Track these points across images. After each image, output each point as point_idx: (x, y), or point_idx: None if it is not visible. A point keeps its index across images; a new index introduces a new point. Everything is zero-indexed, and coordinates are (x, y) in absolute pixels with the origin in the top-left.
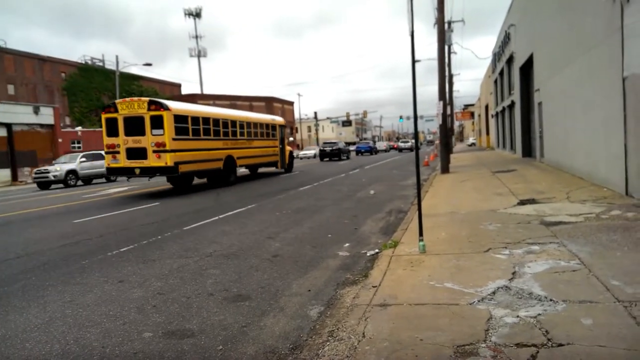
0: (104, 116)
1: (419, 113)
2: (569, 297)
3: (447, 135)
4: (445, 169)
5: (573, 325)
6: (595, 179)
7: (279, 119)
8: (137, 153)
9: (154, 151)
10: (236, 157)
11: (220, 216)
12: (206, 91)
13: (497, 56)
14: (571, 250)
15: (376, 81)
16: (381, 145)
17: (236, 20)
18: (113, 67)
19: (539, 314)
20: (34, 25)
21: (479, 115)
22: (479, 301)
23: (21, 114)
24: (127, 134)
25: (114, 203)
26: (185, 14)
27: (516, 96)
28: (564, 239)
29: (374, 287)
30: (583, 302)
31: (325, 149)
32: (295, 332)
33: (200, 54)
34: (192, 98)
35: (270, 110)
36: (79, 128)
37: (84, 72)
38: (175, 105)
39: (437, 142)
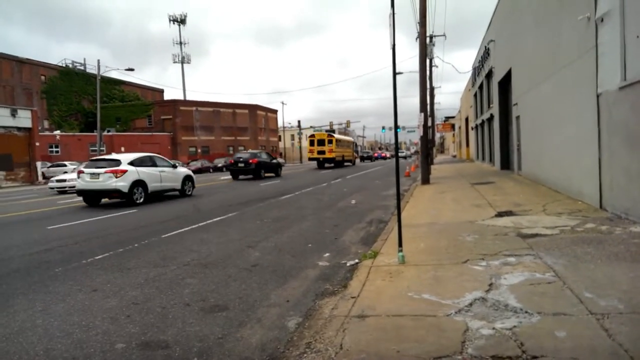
0: (309, 138)
1: (400, 124)
2: (543, 309)
3: (428, 146)
4: (425, 180)
5: (547, 337)
6: (570, 192)
7: (351, 139)
8: (321, 152)
9: (329, 152)
10: (344, 156)
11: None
12: (189, 97)
13: (477, 70)
14: (547, 263)
15: (358, 91)
16: (387, 154)
17: (220, 27)
18: (94, 71)
19: (515, 326)
20: (9, 24)
21: (459, 128)
22: (456, 313)
23: None
24: (318, 145)
25: (94, 209)
26: (170, 20)
27: (495, 110)
28: (539, 251)
29: (352, 297)
30: (557, 314)
31: (363, 155)
32: (272, 343)
33: (184, 60)
34: (174, 104)
35: (253, 118)
36: (57, 132)
37: (64, 76)
38: (336, 135)
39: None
